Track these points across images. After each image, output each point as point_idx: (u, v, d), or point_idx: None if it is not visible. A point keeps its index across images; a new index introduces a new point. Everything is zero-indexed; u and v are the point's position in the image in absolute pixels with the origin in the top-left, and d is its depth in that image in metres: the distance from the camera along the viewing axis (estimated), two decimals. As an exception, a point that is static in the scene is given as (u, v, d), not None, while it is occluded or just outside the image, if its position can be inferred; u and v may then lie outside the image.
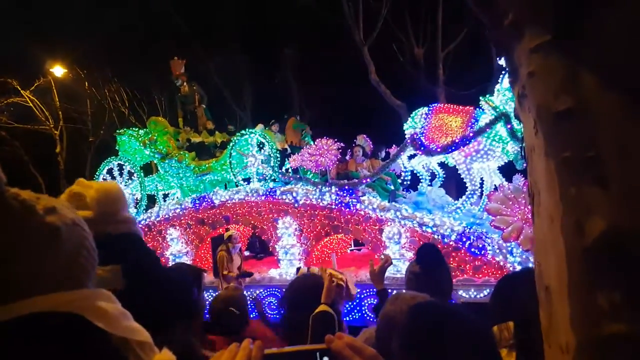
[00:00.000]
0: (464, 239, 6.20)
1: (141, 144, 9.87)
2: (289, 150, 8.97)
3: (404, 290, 1.74)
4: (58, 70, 18.08)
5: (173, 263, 4.28)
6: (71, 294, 0.74)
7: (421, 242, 6.45)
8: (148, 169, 10.57)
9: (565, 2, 0.81)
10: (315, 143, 7.49)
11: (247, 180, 8.84)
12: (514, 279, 1.52)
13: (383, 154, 8.46)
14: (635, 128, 0.76)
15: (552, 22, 0.83)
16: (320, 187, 7.50)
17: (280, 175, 8.27)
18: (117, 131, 10.36)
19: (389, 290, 2.61)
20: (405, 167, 7.90)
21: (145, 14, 17.28)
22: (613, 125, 0.78)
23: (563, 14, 0.82)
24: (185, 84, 10.87)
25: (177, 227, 8.82)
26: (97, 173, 9.87)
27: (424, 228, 6.47)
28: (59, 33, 16.52)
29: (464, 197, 7.10)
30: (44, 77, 18.00)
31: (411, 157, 7.61)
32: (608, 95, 0.78)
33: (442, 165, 7.89)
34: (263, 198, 8.00)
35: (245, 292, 3.10)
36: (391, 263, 2.69)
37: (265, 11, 18.22)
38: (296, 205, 7.68)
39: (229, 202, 8.37)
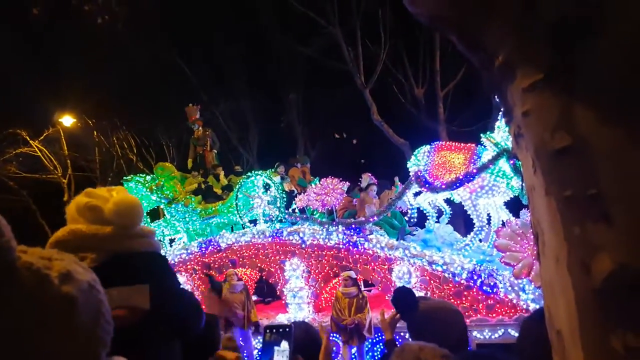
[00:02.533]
0: (475, 277, 6.09)
1: (148, 190, 9.92)
2: (295, 192, 8.99)
3: (409, 341, 1.67)
4: (67, 120, 18.48)
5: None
6: None
7: (432, 282, 6.34)
8: (155, 215, 10.66)
9: (554, 38, 0.81)
10: (321, 182, 7.52)
11: (254, 222, 8.82)
12: (539, 320, 1.45)
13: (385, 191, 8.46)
14: (636, 162, 0.75)
15: (543, 59, 0.83)
16: (327, 226, 7.47)
17: (287, 216, 8.25)
18: (124, 178, 10.47)
19: (400, 334, 2.53)
20: (411, 205, 7.88)
21: (153, 63, 17.81)
22: (613, 161, 0.77)
23: (553, 50, 0.81)
24: (200, 128, 11.38)
25: (183, 273, 8.73)
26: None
27: (433, 266, 6.37)
28: (68, 84, 17.01)
29: (471, 233, 7.04)
30: (53, 127, 18.41)
31: (417, 194, 7.60)
32: (606, 130, 0.77)
33: (448, 202, 7.86)
34: (270, 239, 7.95)
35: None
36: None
37: (270, 58, 18.79)
38: (303, 245, 7.62)
39: (235, 244, 8.31)
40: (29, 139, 18.19)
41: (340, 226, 7.31)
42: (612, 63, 0.76)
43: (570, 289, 0.81)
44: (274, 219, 8.41)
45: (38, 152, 18.58)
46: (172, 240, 10.59)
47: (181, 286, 1.45)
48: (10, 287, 0.64)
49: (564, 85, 0.81)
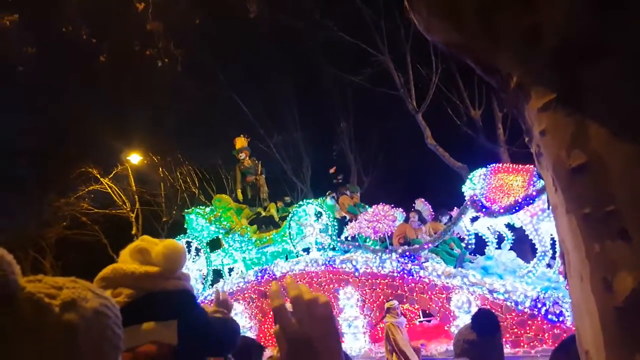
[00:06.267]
0: (540, 305, 5.78)
1: (207, 221, 10.34)
2: (347, 219, 9.00)
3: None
4: (134, 158, 19.73)
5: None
6: None
7: (493, 311, 6.08)
8: (217, 245, 11.04)
9: (560, 61, 0.83)
10: (372, 209, 7.49)
11: (307, 250, 8.90)
12: (565, 352, 1.40)
13: (445, 218, 8.19)
14: (650, 178, 0.74)
15: (554, 80, 0.85)
16: (380, 254, 7.38)
17: (339, 244, 8.25)
18: (185, 210, 10.98)
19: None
20: (468, 230, 7.62)
21: (211, 99, 18.73)
22: (628, 177, 0.77)
23: (563, 71, 0.83)
24: (247, 157, 11.71)
25: (241, 301, 8.91)
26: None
27: (494, 295, 6.12)
28: (134, 123, 18.23)
29: (534, 259, 6.69)
30: (121, 165, 19.70)
31: (474, 219, 7.35)
32: (619, 147, 0.77)
33: (510, 226, 7.53)
34: (323, 268, 7.96)
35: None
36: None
37: (320, 88, 19.18)
38: (356, 274, 7.55)
39: (290, 273, 8.40)
40: (99, 177, 19.53)
41: (394, 254, 7.20)
42: (619, 82, 0.77)
43: (595, 308, 0.81)
44: (326, 246, 8.44)
45: (108, 189, 19.87)
46: (230, 270, 10.87)
47: (208, 318, 1.54)
48: (7, 317, 0.66)
49: (576, 104, 0.82)
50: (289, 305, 0.82)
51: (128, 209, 20.39)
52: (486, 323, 2.21)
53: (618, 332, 0.77)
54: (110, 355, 0.77)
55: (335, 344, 0.81)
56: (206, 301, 9.10)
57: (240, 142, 12.01)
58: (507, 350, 5.94)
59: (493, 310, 6.08)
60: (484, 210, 6.50)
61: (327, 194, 10.04)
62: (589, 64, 0.81)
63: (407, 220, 8.04)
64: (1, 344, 0.66)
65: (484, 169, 6.95)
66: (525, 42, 0.88)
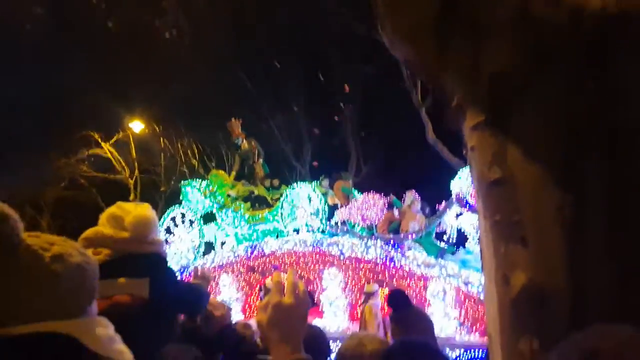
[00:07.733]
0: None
1: (202, 194, 10.51)
2: (338, 205, 9.15)
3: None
4: (137, 126, 19.67)
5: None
6: (70, 322, 0.92)
7: (467, 301, 6.30)
8: (212, 218, 11.18)
9: (495, 89, 0.97)
10: (362, 197, 7.64)
11: (297, 231, 9.08)
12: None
13: (427, 210, 8.36)
14: (549, 196, 0.89)
15: (485, 105, 0.99)
16: (365, 240, 7.57)
17: (328, 228, 8.44)
18: (182, 182, 11.14)
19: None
20: (452, 225, 7.81)
21: (217, 74, 18.63)
22: (532, 194, 0.91)
23: (494, 99, 0.97)
24: (244, 141, 11.45)
25: (230, 274, 9.14)
26: (162, 219, 10.52)
27: (469, 287, 6.33)
28: (138, 92, 18.17)
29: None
30: (123, 131, 19.68)
31: (459, 215, 7.53)
32: (529, 168, 0.91)
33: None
34: (310, 249, 8.15)
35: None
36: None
37: (330, 73, 19.09)
38: (342, 257, 7.75)
39: (279, 251, 8.61)
40: (100, 141, 19.53)
41: (378, 240, 7.39)
42: (534, 115, 0.91)
43: (496, 298, 0.96)
44: (315, 229, 8.61)
45: (108, 154, 19.86)
46: (223, 243, 11.04)
47: (177, 280, 1.76)
48: (10, 261, 0.89)
49: (499, 127, 0.96)
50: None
51: (127, 176, 20.38)
52: (397, 300, 2.43)
53: (510, 320, 0.91)
54: (85, 301, 0.98)
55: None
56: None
57: (233, 127, 11.55)
58: (477, 338, 6.21)
59: (466, 300, 6.33)
60: (467, 206, 6.68)
61: (321, 178, 10.17)
62: (514, 97, 0.95)
63: (390, 207, 8.16)
64: (4, 279, 0.89)
65: (471, 167, 7.07)
66: (468, 69, 1.01)
